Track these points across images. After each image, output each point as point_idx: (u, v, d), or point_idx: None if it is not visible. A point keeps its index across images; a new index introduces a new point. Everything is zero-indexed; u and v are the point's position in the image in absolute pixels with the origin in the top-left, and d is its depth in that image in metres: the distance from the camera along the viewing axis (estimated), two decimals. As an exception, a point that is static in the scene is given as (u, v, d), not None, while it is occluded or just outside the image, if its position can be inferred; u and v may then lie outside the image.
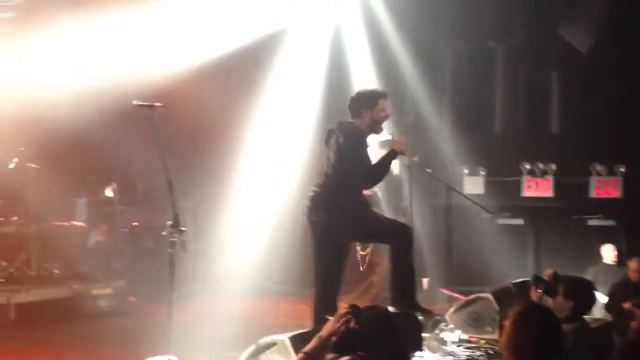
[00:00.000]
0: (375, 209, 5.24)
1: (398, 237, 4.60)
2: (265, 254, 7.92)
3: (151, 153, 7.81)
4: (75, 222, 7.95)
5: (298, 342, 3.89)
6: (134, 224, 8.38)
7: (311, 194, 4.52)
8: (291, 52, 8.56)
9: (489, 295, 4.90)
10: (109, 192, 8.38)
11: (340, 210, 4.45)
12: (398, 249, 4.61)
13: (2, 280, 6.77)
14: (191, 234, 6.74)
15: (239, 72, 8.16)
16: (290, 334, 3.93)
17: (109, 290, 7.11)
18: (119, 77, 7.10)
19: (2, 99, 7.41)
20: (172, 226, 4.16)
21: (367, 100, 4.59)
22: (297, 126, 8.29)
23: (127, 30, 7.45)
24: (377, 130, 4.68)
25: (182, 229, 4.16)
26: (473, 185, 8.89)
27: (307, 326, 4.39)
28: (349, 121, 4.62)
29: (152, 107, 4.21)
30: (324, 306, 4.38)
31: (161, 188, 8.33)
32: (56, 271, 7.31)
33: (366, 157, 4.55)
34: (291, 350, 3.79)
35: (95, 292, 7.02)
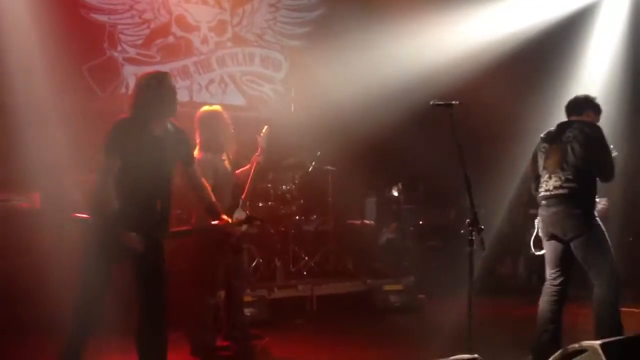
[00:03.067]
0: None
1: None
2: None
3: (436, 154, 8.01)
4: (366, 221, 8.37)
5: (612, 350, 3.62)
6: (419, 222, 8.56)
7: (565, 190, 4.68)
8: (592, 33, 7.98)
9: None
10: (394, 192, 8.70)
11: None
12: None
13: (305, 273, 7.33)
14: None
15: (537, 66, 7.85)
16: (602, 341, 3.66)
17: (399, 287, 7.26)
18: (412, 79, 7.36)
19: (303, 105, 8.15)
20: (470, 224, 4.15)
21: (596, 107, 4.94)
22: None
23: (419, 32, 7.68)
24: None
25: (481, 227, 4.14)
26: None
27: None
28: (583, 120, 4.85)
29: (449, 105, 4.27)
30: None
31: (442, 188, 8.57)
32: (350, 267, 7.75)
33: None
34: (604, 358, 3.53)
35: (387, 287, 7.23)
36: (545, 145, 4.87)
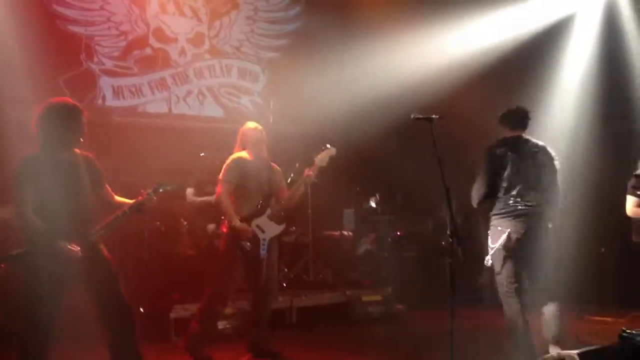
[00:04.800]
0: None
1: None
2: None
3: (413, 165, 8.09)
4: (344, 232, 8.41)
5: (589, 359, 3.70)
6: (397, 233, 8.63)
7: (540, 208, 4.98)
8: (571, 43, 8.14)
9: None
10: (372, 203, 8.77)
11: None
12: None
13: (284, 285, 7.34)
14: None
15: (514, 78, 8.00)
16: (579, 350, 3.75)
17: (378, 297, 7.32)
18: (390, 92, 7.46)
19: (282, 117, 8.17)
20: (451, 235, 4.22)
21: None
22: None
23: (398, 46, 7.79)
24: None
25: (461, 237, 4.20)
26: None
27: (596, 343, 4.17)
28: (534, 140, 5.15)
29: (430, 119, 4.35)
30: None
31: (419, 199, 8.66)
32: (329, 278, 7.77)
33: None
34: (582, 367, 3.61)
35: (365, 298, 7.27)
36: (514, 157, 4.99)
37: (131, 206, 4.35)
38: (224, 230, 5.51)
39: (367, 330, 6.93)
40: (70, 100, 4.38)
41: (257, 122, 5.85)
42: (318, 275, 7.69)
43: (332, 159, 5.55)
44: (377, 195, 8.73)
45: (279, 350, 5.61)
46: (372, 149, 8.04)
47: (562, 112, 7.69)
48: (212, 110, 8.68)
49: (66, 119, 4.15)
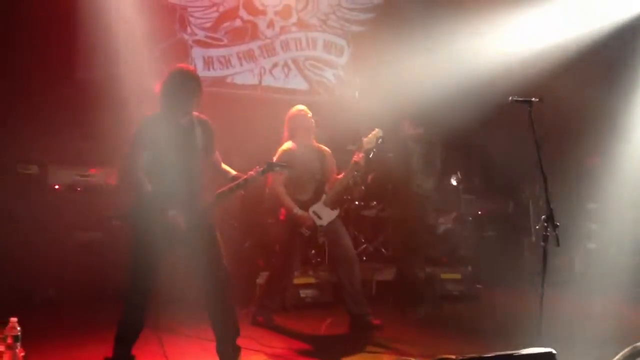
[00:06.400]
0: None
1: None
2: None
3: (497, 145, 8.00)
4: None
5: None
6: (478, 212, 8.58)
7: None
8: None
9: None
10: (453, 181, 8.71)
11: None
12: None
13: (364, 258, 7.45)
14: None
15: (617, 62, 7.77)
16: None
17: (457, 275, 7.35)
18: (481, 73, 7.37)
19: (368, 92, 8.20)
20: (546, 220, 4.20)
21: None
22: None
23: (491, 27, 7.67)
24: None
25: (557, 224, 4.18)
26: None
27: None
28: None
29: (529, 102, 4.30)
30: None
31: (499, 180, 8.55)
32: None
33: None
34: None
35: (444, 276, 7.32)
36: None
37: (238, 184, 4.46)
38: (282, 217, 5.65)
39: (449, 307, 6.98)
40: (192, 68, 4.57)
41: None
42: (397, 250, 7.73)
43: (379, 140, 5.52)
44: (458, 173, 8.66)
45: (379, 323, 5.73)
46: (457, 129, 7.96)
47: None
48: (296, 82, 8.77)
49: (186, 86, 4.30)
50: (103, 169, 6.58)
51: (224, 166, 4.64)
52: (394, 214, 7.41)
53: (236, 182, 4.47)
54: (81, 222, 6.33)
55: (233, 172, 4.59)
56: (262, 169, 4.51)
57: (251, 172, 4.48)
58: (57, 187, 6.38)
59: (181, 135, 4.30)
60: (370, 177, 7.37)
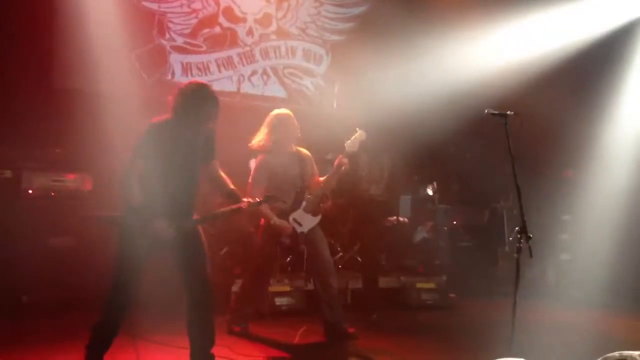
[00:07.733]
0: None
1: None
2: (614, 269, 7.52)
3: (472, 155, 8.08)
4: (400, 218, 8.46)
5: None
6: (453, 222, 8.65)
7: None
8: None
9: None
10: (430, 191, 8.78)
11: None
12: None
13: (340, 267, 7.46)
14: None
15: (590, 77, 7.90)
16: (642, 352, 3.74)
17: (432, 285, 7.39)
18: (458, 84, 7.46)
19: (346, 101, 8.23)
20: (519, 232, 4.25)
21: None
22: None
23: (467, 38, 7.76)
24: None
25: (529, 235, 4.23)
26: None
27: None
28: None
29: (504, 115, 4.35)
30: None
31: (475, 190, 8.64)
32: (383, 263, 7.87)
33: None
34: (645, 369, 3.61)
35: (419, 285, 7.35)
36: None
37: (233, 209, 4.42)
38: (261, 224, 5.62)
39: (423, 316, 7.00)
40: (210, 86, 4.39)
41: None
42: (373, 260, 7.76)
43: (362, 143, 5.49)
44: (434, 183, 8.74)
45: (353, 331, 5.71)
46: (432, 138, 8.04)
47: (631, 113, 7.55)
48: (275, 90, 8.78)
49: (209, 112, 4.23)
50: (79, 174, 6.52)
51: (223, 176, 4.54)
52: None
53: (226, 210, 4.45)
54: (55, 227, 6.26)
55: (230, 186, 4.50)
56: (258, 201, 4.52)
57: (245, 201, 4.43)
58: (30, 191, 6.31)
59: (184, 146, 4.24)
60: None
